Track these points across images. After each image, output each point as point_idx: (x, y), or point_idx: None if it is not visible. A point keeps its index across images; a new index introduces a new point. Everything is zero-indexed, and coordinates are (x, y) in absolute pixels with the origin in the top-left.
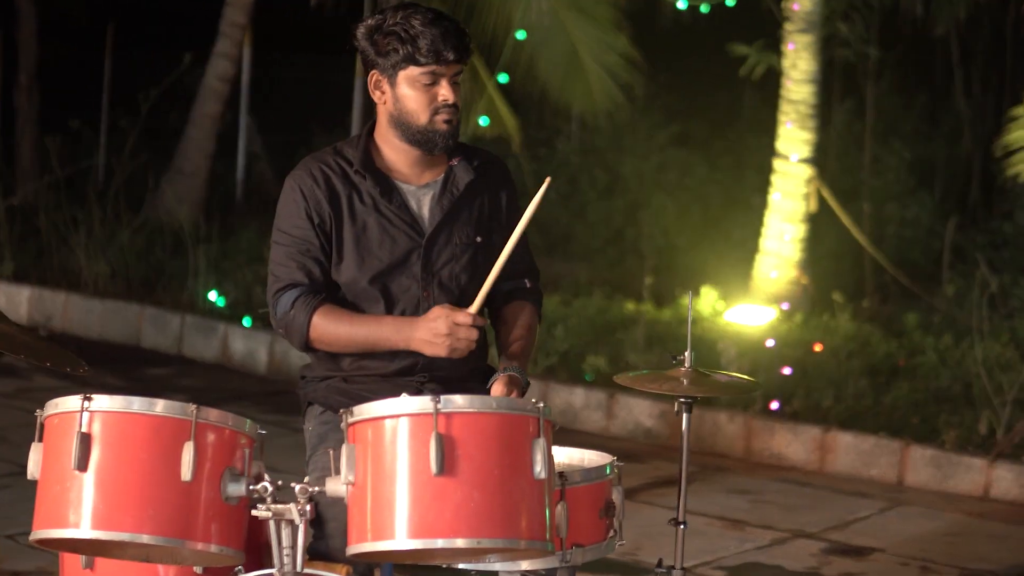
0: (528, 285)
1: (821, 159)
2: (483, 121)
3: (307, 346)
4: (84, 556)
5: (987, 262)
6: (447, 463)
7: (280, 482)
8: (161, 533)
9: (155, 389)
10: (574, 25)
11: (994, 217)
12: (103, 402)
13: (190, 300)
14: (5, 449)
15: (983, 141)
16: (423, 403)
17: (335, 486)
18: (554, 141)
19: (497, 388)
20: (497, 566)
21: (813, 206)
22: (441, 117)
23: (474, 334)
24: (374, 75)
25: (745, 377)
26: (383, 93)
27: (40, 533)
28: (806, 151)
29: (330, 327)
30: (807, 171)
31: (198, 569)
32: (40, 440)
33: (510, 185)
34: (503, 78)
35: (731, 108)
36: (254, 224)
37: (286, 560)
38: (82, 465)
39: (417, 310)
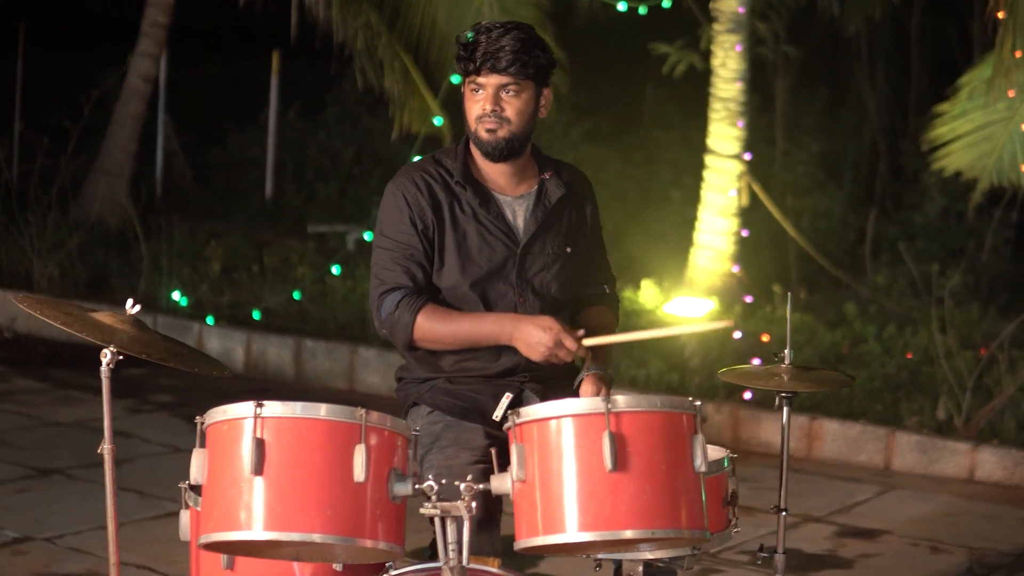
0: (607, 291)
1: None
2: (437, 121)
3: (411, 345)
4: (226, 556)
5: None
6: (619, 459)
7: (444, 480)
8: (335, 532)
9: (137, 390)
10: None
11: (903, 208)
12: (276, 408)
13: (145, 300)
14: (8, 452)
15: (889, 135)
16: (594, 403)
17: (501, 483)
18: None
19: (587, 387)
20: (627, 555)
21: (745, 200)
22: (482, 126)
23: (568, 358)
24: (462, 85)
25: (843, 373)
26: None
27: (214, 536)
28: (737, 147)
29: (435, 325)
30: (738, 166)
31: (337, 566)
32: (203, 446)
33: (593, 199)
34: (456, 78)
35: (635, 104)
36: (185, 225)
37: (452, 555)
38: (258, 469)
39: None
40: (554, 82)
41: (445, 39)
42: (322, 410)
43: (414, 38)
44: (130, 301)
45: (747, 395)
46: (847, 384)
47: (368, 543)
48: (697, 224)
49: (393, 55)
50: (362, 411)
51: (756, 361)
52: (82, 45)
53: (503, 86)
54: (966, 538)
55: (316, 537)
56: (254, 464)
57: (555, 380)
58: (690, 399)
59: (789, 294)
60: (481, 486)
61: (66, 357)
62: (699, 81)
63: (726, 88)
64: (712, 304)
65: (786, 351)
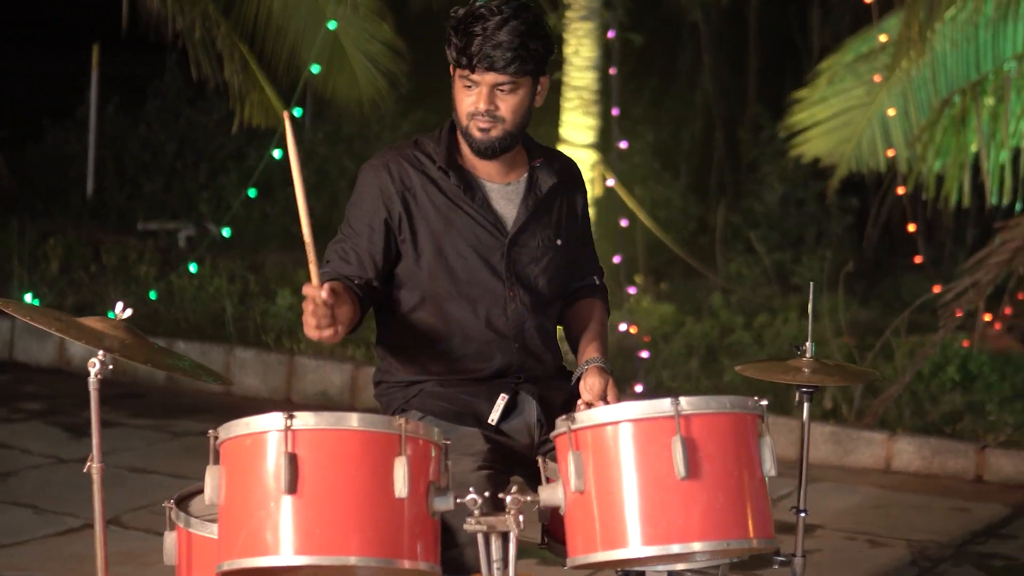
0: (596, 282)
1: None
2: (297, 112)
3: None
4: None
5: (746, 241)
6: (691, 466)
7: (487, 493)
8: (374, 554)
9: (3, 397)
10: (336, 14)
11: (743, 197)
12: (308, 420)
13: None
14: None
15: (727, 124)
16: (660, 406)
17: (551, 495)
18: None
19: (592, 379)
20: (666, 567)
21: (599, 191)
22: (474, 124)
23: (320, 311)
24: (451, 68)
25: (866, 369)
26: (452, 87)
27: (240, 563)
28: (591, 136)
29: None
30: (592, 156)
31: None
32: (217, 463)
33: (583, 189)
34: (315, 68)
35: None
36: (10, 223)
37: (496, 573)
38: (291, 487)
39: (504, 310)
40: (392, 72)
41: (281, 29)
42: (358, 420)
43: (249, 28)
44: (120, 305)
45: (638, 388)
46: (873, 379)
47: (407, 564)
48: None
49: (232, 46)
50: (400, 420)
51: (644, 354)
52: None
53: (498, 84)
54: (902, 530)
55: (353, 560)
56: (287, 482)
57: (550, 380)
58: (755, 398)
59: (812, 284)
60: (529, 498)
61: None
62: None
63: (580, 76)
64: None
65: (808, 344)
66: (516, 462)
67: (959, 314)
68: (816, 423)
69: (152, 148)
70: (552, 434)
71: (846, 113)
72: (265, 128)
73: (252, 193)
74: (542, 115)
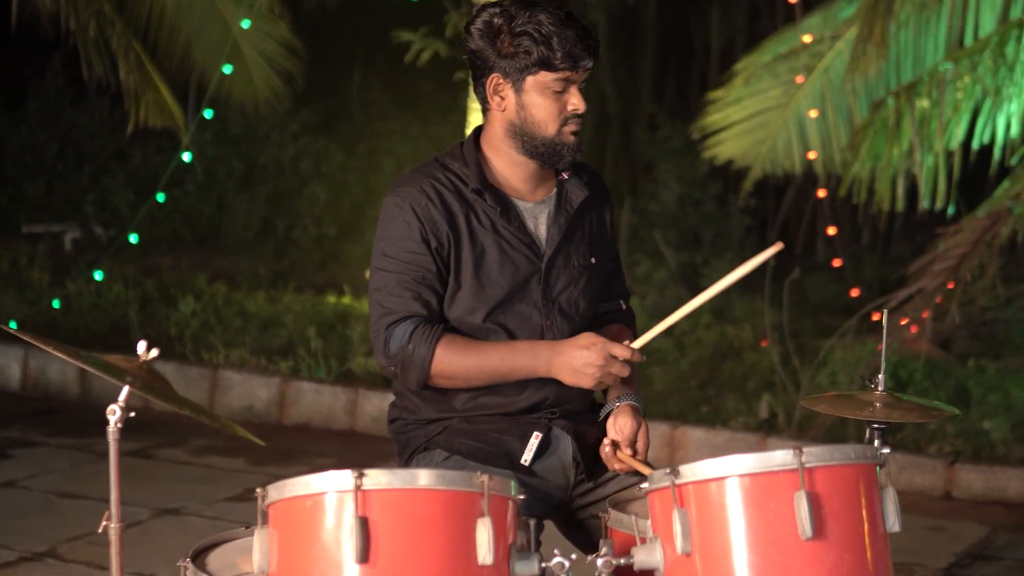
0: (623, 307)
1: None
2: (207, 114)
3: (425, 383)
4: None
5: (647, 242)
6: (816, 524)
7: (574, 556)
8: None
9: None
10: (231, 12)
11: (639, 197)
12: (380, 479)
13: None
14: None
15: (623, 123)
16: (779, 458)
17: (648, 556)
18: (175, 132)
19: (624, 420)
20: None
21: None
22: (569, 128)
23: (625, 371)
24: (494, 79)
25: (942, 405)
26: (503, 99)
27: None
28: None
29: (456, 359)
30: None
31: None
32: (266, 524)
33: (611, 202)
34: (227, 69)
35: (345, 94)
36: None
37: None
38: (363, 556)
39: (542, 339)
40: (288, 71)
41: (175, 27)
42: (436, 478)
43: (142, 26)
44: (143, 344)
45: None
46: (951, 415)
47: None
48: None
49: (127, 45)
50: (483, 478)
51: None
52: None
53: (582, 80)
54: (916, 555)
55: None
56: (359, 550)
57: (583, 415)
58: (875, 445)
59: (886, 311)
60: (624, 561)
61: None
62: (412, 72)
63: None
64: None
65: (880, 376)
66: (549, 505)
67: (904, 321)
68: (775, 438)
69: (33, 149)
70: (646, 488)
71: (762, 114)
72: (160, 129)
73: (161, 198)
74: (448, 116)
